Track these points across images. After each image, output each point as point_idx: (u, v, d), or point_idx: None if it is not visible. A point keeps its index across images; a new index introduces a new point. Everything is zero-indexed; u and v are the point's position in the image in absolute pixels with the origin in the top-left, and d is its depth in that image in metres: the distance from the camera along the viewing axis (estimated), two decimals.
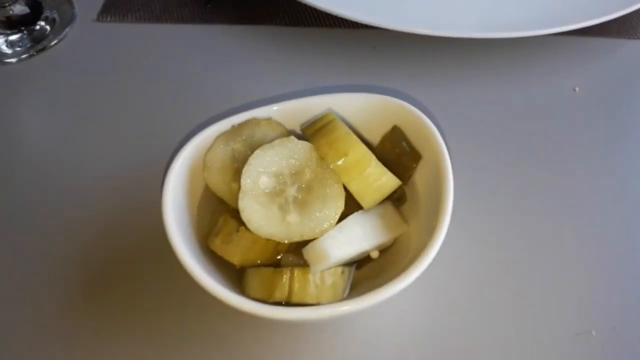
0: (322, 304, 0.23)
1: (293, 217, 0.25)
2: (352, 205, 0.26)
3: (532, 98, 0.38)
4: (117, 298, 0.29)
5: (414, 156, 0.28)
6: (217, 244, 0.26)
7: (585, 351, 0.28)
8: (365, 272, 0.27)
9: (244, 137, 0.28)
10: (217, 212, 0.27)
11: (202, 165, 0.27)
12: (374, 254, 0.27)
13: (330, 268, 0.24)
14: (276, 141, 0.26)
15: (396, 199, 0.28)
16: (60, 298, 0.29)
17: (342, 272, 0.25)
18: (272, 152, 0.26)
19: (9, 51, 0.41)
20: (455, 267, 0.30)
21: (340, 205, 0.26)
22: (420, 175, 0.28)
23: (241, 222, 0.25)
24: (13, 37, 0.41)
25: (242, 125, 0.28)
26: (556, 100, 0.38)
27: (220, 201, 0.27)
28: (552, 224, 0.32)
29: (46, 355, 0.28)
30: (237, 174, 0.26)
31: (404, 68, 0.40)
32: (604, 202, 0.33)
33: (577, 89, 0.39)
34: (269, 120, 0.28)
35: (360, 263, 0.27)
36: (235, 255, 0.26)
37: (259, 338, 0.28)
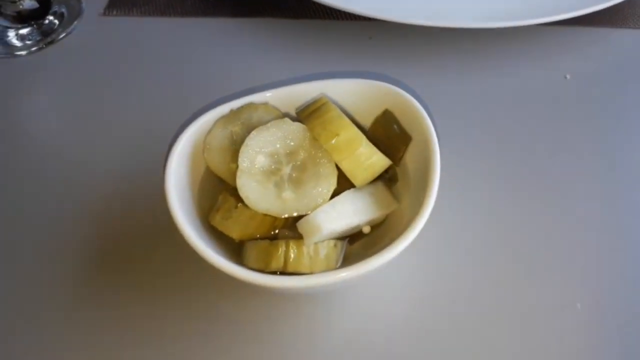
0: (315, 274, 0.25)
1: (288, 194, 0.27)
2: (344, 184, 0.28)
3: (524, 84, 0.40)
4: (123, 274, 0.31)
5: (404, 138, 0.30)
6: (217, 220, 0.27)
7: (569, 323, 0.29)
8: (358, 246, 0.28)
9: (241, 121, 0.29)
10: (217, 191, 0.28)
11: (202, 147, 0.29)
12: (366, 229, 0.28)
13: (323, 241, 0.26)
14: (271, 123, 0.28)
15: (388, 179, 0.30)
16: (69, 275, 0.31)
17: (335, 245, 0.26)
18: (267, 133, 0.28)
19: (19, 44, 0.43)
20: (444, 242, 0.32)
21: (332, 183, 0.27)
22: (410, 157, 0.30)
23: (239, 200, 0.27)
24: (23, 31, 0.43)
25: (240, 109, 0.30)
26: (548, 87, 0.39)
27: (220, 180, 0.29)
28: (540, 202, 0.34)
29: (53, 327, 0.30)
30: (235, 154, 0.28)
31: (398, 57, 0.41)
32: (592, 183, 0.35)
33: (568, 76, 0.40)
34: (265, 104, 0.30)
35: (352, 238, 0.28)
36: (235, 230, 0.27)
37: (256, 311, 0.30)
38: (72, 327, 0.30)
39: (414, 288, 0.31)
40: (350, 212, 0.27)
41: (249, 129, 0.28)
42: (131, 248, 0.32)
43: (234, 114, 0.29)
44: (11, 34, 0.43)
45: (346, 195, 0.27)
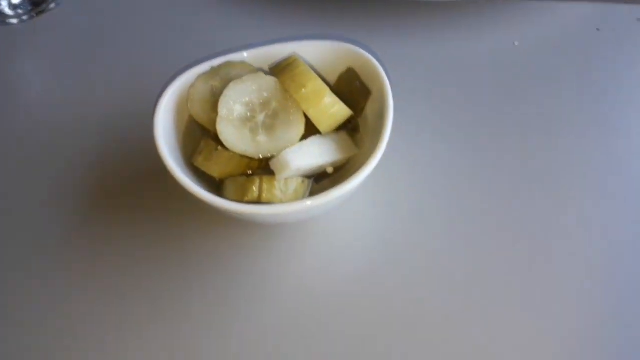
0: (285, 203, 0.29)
1: (262, 138, 0.31)
2: (312, 131, 0.32)
3: (477, 50, 0.44)
4: (116, 210, 0.35)
5: (365, 92, 0.34)
6: (200, 162, 0.31)
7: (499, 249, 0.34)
8: (322, 185, 0.32)
9: (221, 76, 0.33)
10: (199, 137, 0.32)
11: (186, 99, 0.33)
12: (329, 170, 0.32)
13: (292, 177, 0.30)
14: (247, 76, 0.32)
15: (351, 129, 0.34)
16: (71, 210, 0.35)
17: (302, 182, 0.30)
18: (243, 85, 0.31)
19: (11, 13, 0.45)
20: (398, 182, 0.36)
21: (301, 129, 0.31)
22: (370, 110, 0.34)
23: (219, 143, 0.31)
24: (15, 1, 0.46)
25: (220, 66, 0.33)
26: (498, 52, 0.44)
27: (202, 128, 0.33)
28: (482, 151, 0.38)
29: (51, 258, 0.34)
30: (215, 105, 0.32)
31: (366, 25, 0.45)
32: (532, 132, 0.39)
33: (516, 43, 0.44)
34: (242, 62, 0.34)
35: (318, 178, 0.32)
36: (215, 170, 0.31)
37: (234, 243, 0.34)
38: (67, 259, 0.34)
39: (374, 222, 0.35)
40: (315, 153, 0.31)
41: (227, 84, 0.32)
42: (124, 188, 0.36)
43: (214, 70, 0.33)
44: (4, 3, 0.46)
45: (312, 139, 0.31)
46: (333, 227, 0.35)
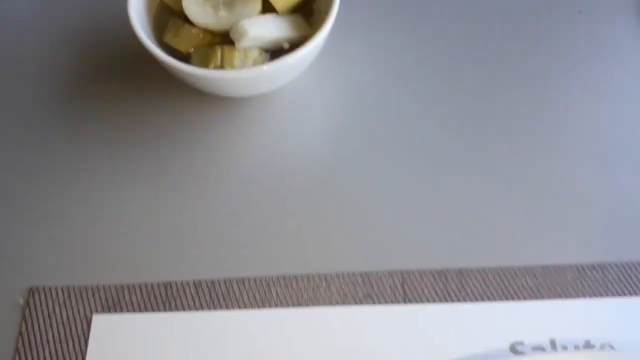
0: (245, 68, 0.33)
1: (223, 14, 0.35)
2: (270, 11, 0.36)
3: None
4: (99, 88, 0.40)
5: None
6: (169, 38, 0.35)
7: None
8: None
9: None
10: (167, 17, 0.36)
11: None
12: (285, 45, 0.36)
13: (252, 49, 0.34)
14: None
15: (306, 13, 0.38)
16: (63, 88, 0.40)
17: (260, 54, 0.35)
18: None
19: None
20: (352, 59, 0.41)
21: (257, 4, 0.35)
22: None
23: (186, 20, 0.35)
24: None
25: None
26: None
27: (170, 10, 0.36)
28: (429, 28, 0.43)
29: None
30: None
31: None
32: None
33: None
34: None
35: (274, 53, 0.36)
36: (182, 44, 0.35)
37: (202, 116, 0.39)
38: (56, 137, 0.38)
39: (329, 97, 0.40)
40: (271, 26, 0.35)
41: None
42: (105, 70, 0.40)
43: None
44: None
45: (269, 15, 0.35)
46: (291, 103, 0.39)
